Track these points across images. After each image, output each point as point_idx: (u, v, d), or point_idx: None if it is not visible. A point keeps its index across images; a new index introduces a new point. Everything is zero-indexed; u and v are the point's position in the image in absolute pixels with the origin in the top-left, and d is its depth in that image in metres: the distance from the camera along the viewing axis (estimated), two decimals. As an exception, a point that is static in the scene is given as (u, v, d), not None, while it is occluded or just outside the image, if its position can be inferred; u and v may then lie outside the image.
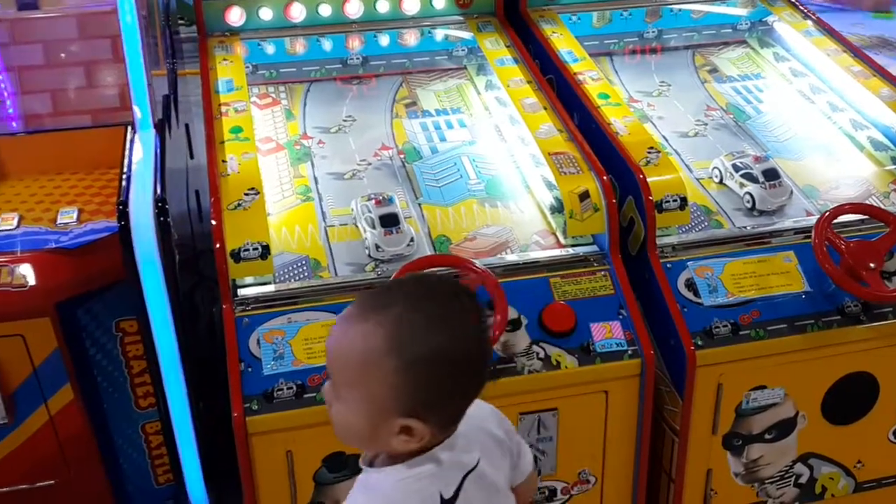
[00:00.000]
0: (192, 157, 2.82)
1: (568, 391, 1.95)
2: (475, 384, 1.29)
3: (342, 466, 1.89)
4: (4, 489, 2.10)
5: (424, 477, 1.27)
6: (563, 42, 2.61)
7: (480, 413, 1.36)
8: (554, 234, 2.15)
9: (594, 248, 2.08)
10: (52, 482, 2.13)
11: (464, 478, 1.31)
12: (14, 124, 2.06)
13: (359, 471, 1.70)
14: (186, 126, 2.73)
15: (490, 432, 1.38)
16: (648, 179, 2.04)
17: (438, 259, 1.98)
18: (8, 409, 1.95)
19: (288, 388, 1.83)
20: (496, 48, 2.60)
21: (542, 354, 1.92)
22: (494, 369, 1.53)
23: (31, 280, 1.78)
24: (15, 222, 1.87)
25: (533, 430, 1.96)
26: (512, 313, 1.90)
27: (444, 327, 1.22)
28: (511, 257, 2.08)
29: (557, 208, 2.13)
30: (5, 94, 2.05)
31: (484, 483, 1.33)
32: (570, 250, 2.08)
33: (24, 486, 2.12)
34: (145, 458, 2.23)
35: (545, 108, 2.32)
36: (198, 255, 2.51)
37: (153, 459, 2.25)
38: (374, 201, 2.11)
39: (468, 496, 1.30)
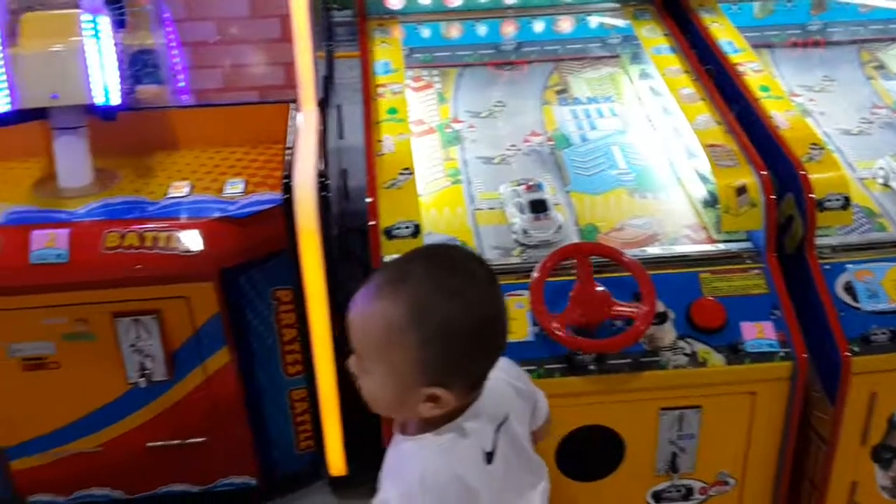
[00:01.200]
0: (341, 137, 2.90)
1: (713, 390, 1.91)
2: (496, 347, 1.34)
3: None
4: (158, 443, 2.23)
5: (459, 440, 1.32)
6: (723, 32, 2.53)
7: (502, 367, 1.40)
8: (705, 228, 2.10)
9: (748, 244, 2.02)
10: (202, 439, 2.25)
11: (496, 430, 1.37)
12: (185, 97, 2.16)
13: None
14: (338, 107, 2.81)
15: (513, 385, 1.45)
16: (810, 176, 1.97)
17: (587, 247, 1.97)
18: (168, 366, 2.06)
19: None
20: (653, 36, 2.55)
21: (688, 350, 1.89)
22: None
23: (199, 246, 1.87)
24: (186, 190, 1.97)
25: (674, 427, 1.93)
26: (659, 307, 1.88)
27: (459, 296, 1.26)
28: (660, 250, 2.04)
29: (711, 202, 2.08)
30: (179, 68, 2.15)
31: (512, 436, 1.40)
32: (723, 246, 2.03)
33: (176, 442, 2.25)
34: (289, 423, 2.33)
35: (703, 99, 2.27)
36: (345, 233, 2.58)
37: (297, 426, 2.35)
38: (523, 186, 2.12)
39: (503, 449, 1.37)
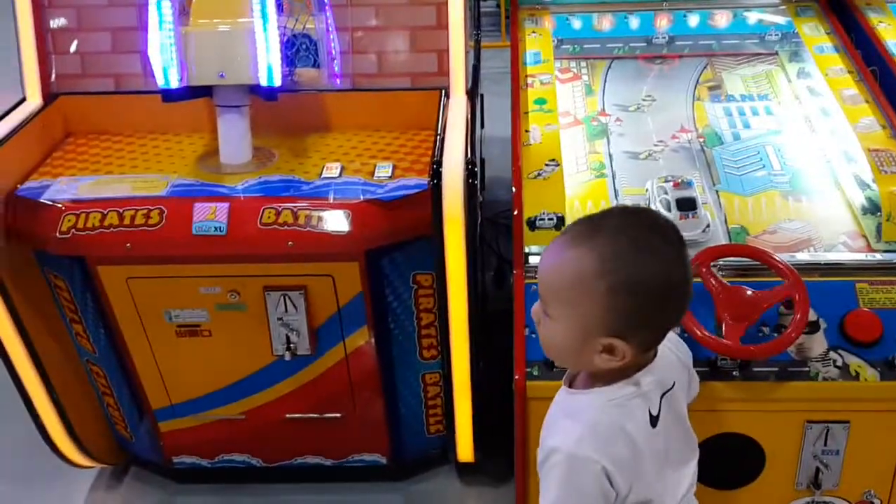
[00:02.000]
0: (482, 126, 2.91)
1: (864, 405, 1.83)
2: (677, 310, 1.36)
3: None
4: (297, 415, 2.31)
5: (631, 398, 1.36)
6: (891, 33, 2.42)
7: (668, 336, 1.44)
8: (864, 236, 2.00)
9: (910, 256, 1.93)
10: (338, 415, 2.32)
11: (661, 396, 1.40)
12: (340, 81, 2.21)
13: None
14: (481, 96, 2.82)
15: (677, 355, 1.51)
16: (983, 188, 1.86)
17: (736, 249, 1.92)
18: (312, 341, 2.13)
19: (569, 360, 1.85)
20: (815, 34, 2.46)
21: (839, 363, 1.81)
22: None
23: (347, 227, 1.91)
24: (337, 171, 2.02)
25: (819, 441, 1.86)
26: (811, 315, 1.81)
27: (650, 254, 1.29)
28: (814, 256, 1.97)
29: (871, 209, 1.99)
30: (335, 52, 2.20)
31: (674, 406, 1.43)
32: (882, 256, 1.94)
33: (313, 415, 2.32)
34: (421, 405, 2.36)
35: (867, 102, 2.17)
36: (481, 223, 2.60)
37: (428, 409, 2.38)
38: (672, 183, 2.08)
39: (665, 416, 1.40)
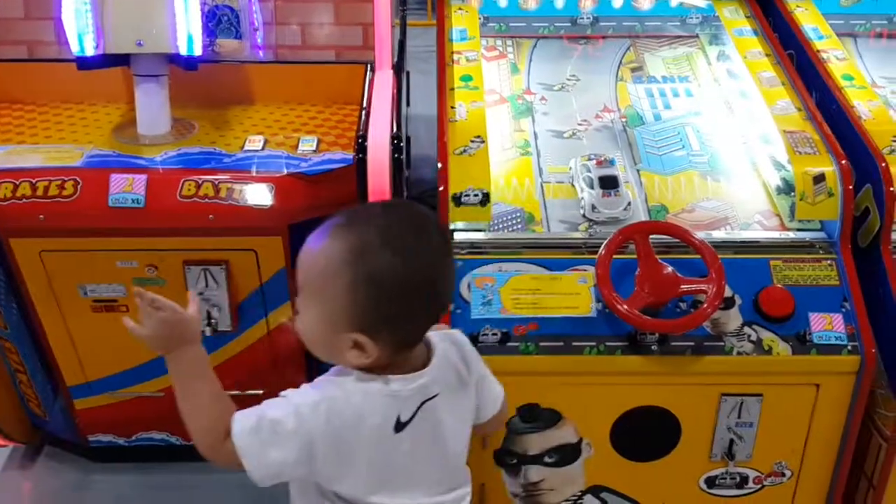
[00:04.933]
0: (408, 104, 2.90)
1: (776, 378, 1.89)
2: (428, 310, 1.33)
3: (535, 418, 1.92)
4: (217, 391, 2.27)
5: (381, 392, 1.32)
6: (807, 17, 2.48)
7: (447, 348, 1.42)
8: (778, 215, 2.06)
9: (822, 234, 1.99)
10: (260, 392, 2.27)
11: (420, 404, 1.35)
12: (262, 53, 2.17)
13: (549, 425, 1.75)
14: (407, 73, 2.80)
15: (457, 369, 1.43)
16: (893, 169, 1.93)
17: (655, 226, 1.95)
18: (233, 317, 2.10)
19: (493, 334, 1.87)
20: (735, 17, 2.51)
21: (753, 337, 1.87)
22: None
23: (270, 200, 1.89)
24: (260, 144, 1.99)
25: (733, 413, 1.92)
26: (726, 291, 1.86)
27: (401, 250, 1.27)
28: (730, 234, 2.02)
29: (785, 189, 2.05)
30: (257, 24, 2.16)
31: (433, 421, 1.37)
32: (795, 234, 2.00)
33: (235, 392, 2.27)
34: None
35: (783, 84, 2.23)
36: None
37: (351, 384, 2.37)
38: (595, 161, 2.10)
39: (418, 427, 1.35)
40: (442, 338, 1.43)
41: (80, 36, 1.86)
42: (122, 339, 2.13)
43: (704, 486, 2.01)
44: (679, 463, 1.98)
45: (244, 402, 2.25)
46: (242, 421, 1.33)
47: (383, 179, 1.83)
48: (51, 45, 2.11)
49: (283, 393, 1.36)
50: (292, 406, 1.32)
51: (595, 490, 2.02)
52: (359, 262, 1.26)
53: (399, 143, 1.85)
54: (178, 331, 1.38)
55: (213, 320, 2.08)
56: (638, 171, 2.19)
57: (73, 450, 2.52)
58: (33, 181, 1.85)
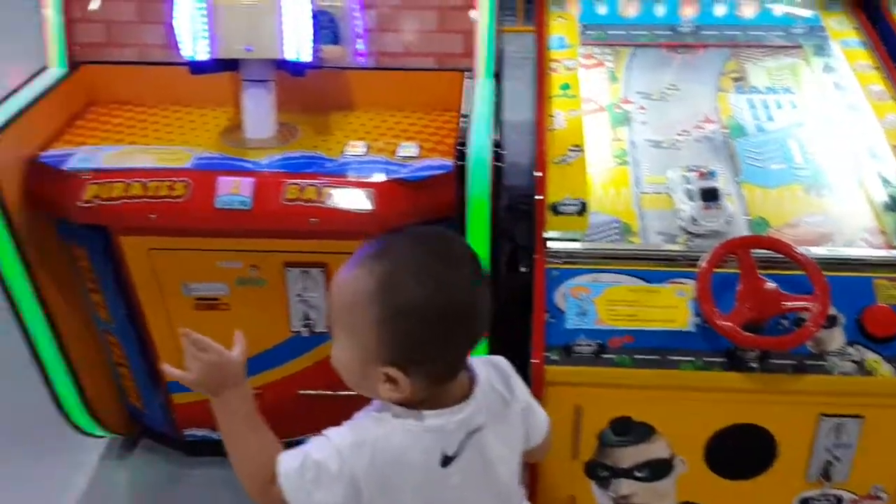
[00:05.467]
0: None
1: (878, 400, 1.83)
2: (462, 342, 1.29)
3: (627, 431, 1.91)
4: (310, 392, 2.32)
5: (422, 430, 1.29)
6: (918, 29, 2.41)
7: (497, 371, 1.40)
8: (884, 233, 2.00)
9: (932, 254, 1.93)
10: (351, 393, 2.31)
11: (466, 436, 1.32)
12: (363, 59, 2.20)
13: (642, 439, 1.70)
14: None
15: (502, 397, 1.39)
16: None
17: (758, 240, 1.92)
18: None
19: (587, 345, 1.86)
20: (842, 28, 2.45)
21: (856, 357, 1.82)
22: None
23: (370, 205, 1.91)
24: (362, 150, 2.02)
25: (831, 434, 1.87)
26: (830, 310, 1.81)
27: (431, 281, 1.22)
28: (834, 251, 1.96)
29: (892, 206, 1.99)
30: (360, 30, 2.19)
31: (481, 449, 1.34)
32: (903, 253, 1.95)
33: (327, 392, 2.32)
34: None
35: (893, 98, 2.16)
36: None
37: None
38: (696, 173, 2.08)
39: (467, 458, 1.32)
40: (484, 363, 1.41)
41: (194, 41, 1.92)
42: (221, 337, 2.22)
43: (800, 507, 1.97)
44: (773, 483, 1.94)
45: (336, 403, 2.30)
46: (288, 462, 1.33)
47: (483, 186, 1.84)
48: (161, 49, 2.18)
49: (325, 432, 1.35)
50: (334, 448, 1.30)
51: None
52: (386, 296, 1.22)
53: (499, 151, 1.85)
54: (222, 374, 1.39)
55: (309, 321, 2.12)
56: (739, 183, 2.15)
57: (168, 443, 2.60)
58: (145, 181, 1.92)
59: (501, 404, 1.40)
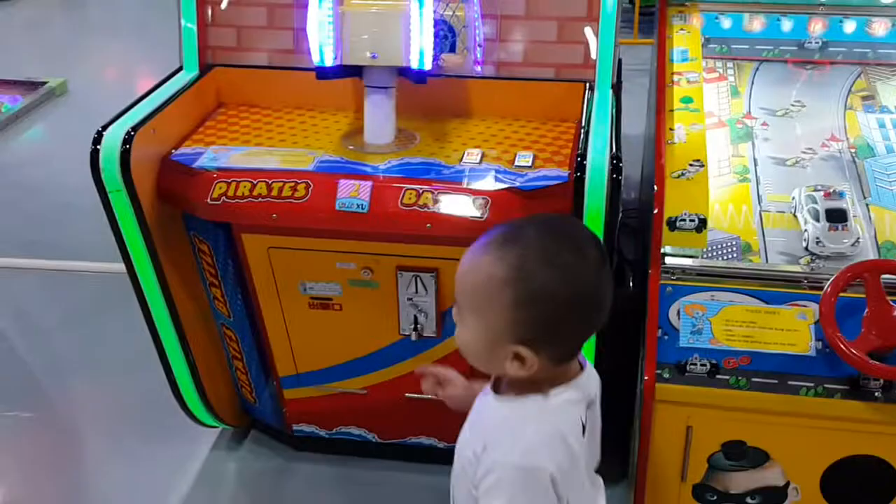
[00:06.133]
0: None
1: None
2: (589, 325, 1.36)
3: (741, 456, 1.86)
4: (416, 395, 2.33)
5: (567, 404, 1.37)
6: None
7: None
8: None
9: None
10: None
11: (587, 407, 1.42)
12: (479, 69, 2.22)
13: (756, 465, 1.70)
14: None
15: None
16: None
17: (887, 265, 1.84)
18: (438, 324, 2.15)
19: (702, 365, 1.83)
20: (983, 47, 2.34)
21: None
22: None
23: (485, 213, 1.92)
24: (478, 158, 2.03)
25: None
26: (963, 341, 1.73)
27: (561, 267, 1.29)
28: (969, 280, 1.87)
29: None
30: (480, 40, 2.21)
31: (594, 418, 1.45)
32: None
33: (431, 396, 2.33)
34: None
35: None
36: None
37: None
38: (822, 193, 2.01)
39: (588, 427, 1.42)
40: None
41: (321, 47, 1.97)
42: (332, 336, 2.28)
43: (921, 546, 1.88)
44: (895, 518, 1.86)
45: (439, 407, 2.32)
46: None
47: (600, 199, 1.83)
48: (289, 54, 2.24)
49: (491, 469, 1.35)
50: (526, 475, 1.33)
51: None
52: (520, 282, 1.28)
53: (618, 164, 1.84)
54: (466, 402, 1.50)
55: (419, 325, 2.15)
56: (867, 205, 2.07)
57: (276, 436, 2.66)
58: (269, 182, 1.97)
59: (597, 378, 1.49)
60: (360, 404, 2.41)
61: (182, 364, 2.38)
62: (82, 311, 3.29)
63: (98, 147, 1.95)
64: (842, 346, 1.71)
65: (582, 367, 1.43)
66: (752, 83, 2.49)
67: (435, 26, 2.00)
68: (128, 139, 1.95)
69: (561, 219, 1.47)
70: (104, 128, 1.97)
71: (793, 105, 2.40)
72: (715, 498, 1.91)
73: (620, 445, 2.25)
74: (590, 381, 1.44)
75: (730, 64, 2.57)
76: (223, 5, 2.25)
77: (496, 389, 1.43)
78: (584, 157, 1.84)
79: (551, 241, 1.32)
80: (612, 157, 1.84)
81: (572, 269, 1.29)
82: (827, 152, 2.24)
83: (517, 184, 1.95)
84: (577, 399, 1.39)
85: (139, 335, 2.34)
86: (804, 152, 2.24)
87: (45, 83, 4.89)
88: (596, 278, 1.32)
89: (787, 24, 2.55)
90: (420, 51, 1.95)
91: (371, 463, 2.58)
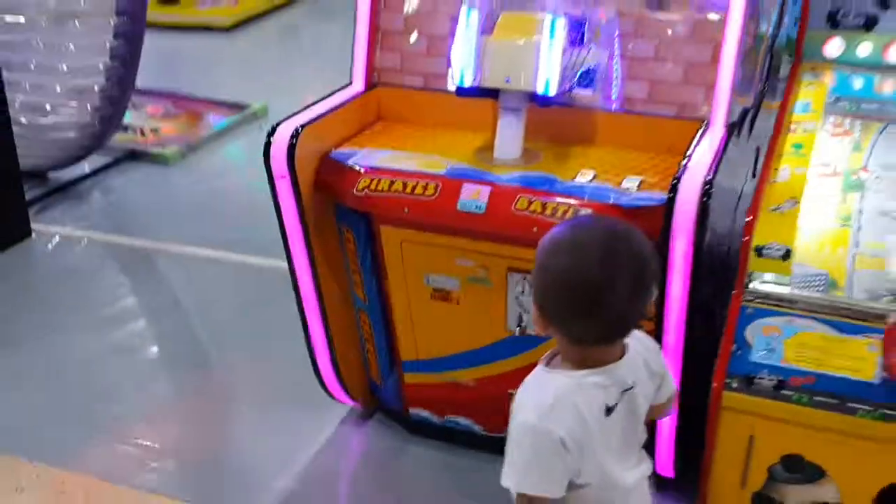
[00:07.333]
0: (753, 176, 3.01)
1: None
2: (597, 316, 1.53)
3: (798, 469, 1.97)
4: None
5: (589, 384, 1.57)
6: None
7: (645, 347, 1.68)
8: None
9: None
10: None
11: (621, 393, 1.59)
12: (611, 103, 2.47)
13: (812, 479, 1.83)
14: (758, 149, 2.91)
15: (647, 362, 1.67)
16: None
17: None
18: (542, 324, 2.39)
19: (769, 379, 1.96)
20: None
21: None
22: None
23: (587, 224, 2.15)
24: (590, 177, 2.27)
25: None
26: None
27: (576, 254, 1.52)
28: None
29: None
30: (616, 79, 2.46)
31: (631, 404, 1.63)
32: None
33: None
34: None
35: None
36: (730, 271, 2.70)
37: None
38: (911, 238, 2.12)
39: (621, 411, 1.60)
40: (635, 338, 1.66)
41: (462, 70, 2.30)
42: (449, 327, 2.56)
43: (972, 584, 1.91)
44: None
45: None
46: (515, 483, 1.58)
47: (688, 219, 2.02)
48: (442, 79, 2.58)
49: (512, 427, 1.61)
50: (530, 430, 1.56)
51: None
52: (544, 264, 1.55)
53: (710, 188, 2.03)
54: None
55: (523, 323, 2.39)
56: (962, 258, 2.15)
57: (395, 418, 2.96)
58: (405, 180, 2.31)
59: (646, 370, 1.68)
60: (469, 396, 2.66)
61: (322, 342, 2.74)
62: (256, 299, 3.74)
63: (271, 139, 2.36)
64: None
65: (622, 356, 1.62)
66: (876, 141, 2.59)
67: (582, 67, 2.29)
68: (295, 135, 2.34)
69: (601, 216, 1.71)
70: (278, 124, 2.38)
71: (910, 163, 2.49)
72: (772, 509, 2.03)
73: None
74: (628, 370, 1.62)
75: (858, 122, 2.68)
76: (393, 34, 2.63)
77: (548, 363, 1.66)
78: (679, 180, 2.05)
79: (580, 231, 1.58)
80: (704, 183, 2.04)
81: (588, 264, 1.50)
82: (933, 208, 2.32)
83: (621, 201, 2.18)
84: (606, 384, 1.59)
85: (297, 322, 2.72)
86: (912, 206, 2.33)
87: (248, 106, 5.54)
88: (611, 278, 1.50)
89: (918, 88, 2.65)
90: (546, 80, 2.24)
91: (474, 454, 2.80)
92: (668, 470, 2.54)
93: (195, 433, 3.07)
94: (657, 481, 2.62)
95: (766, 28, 2.88)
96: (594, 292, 1.52)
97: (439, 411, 2.79)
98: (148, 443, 2.96)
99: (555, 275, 1.55)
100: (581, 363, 1.59)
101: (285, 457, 2.90)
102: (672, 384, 1.79)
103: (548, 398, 1.57)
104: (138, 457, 2.89)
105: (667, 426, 2.40)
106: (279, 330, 3.08)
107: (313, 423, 3.03)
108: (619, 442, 1.64)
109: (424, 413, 2.82)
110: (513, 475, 1.59)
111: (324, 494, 2.79)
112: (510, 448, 1.60)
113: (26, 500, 2.69)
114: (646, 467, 1.74)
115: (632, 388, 1.63)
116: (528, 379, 1.67)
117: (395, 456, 2.89)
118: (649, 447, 2.41)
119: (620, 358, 1.61)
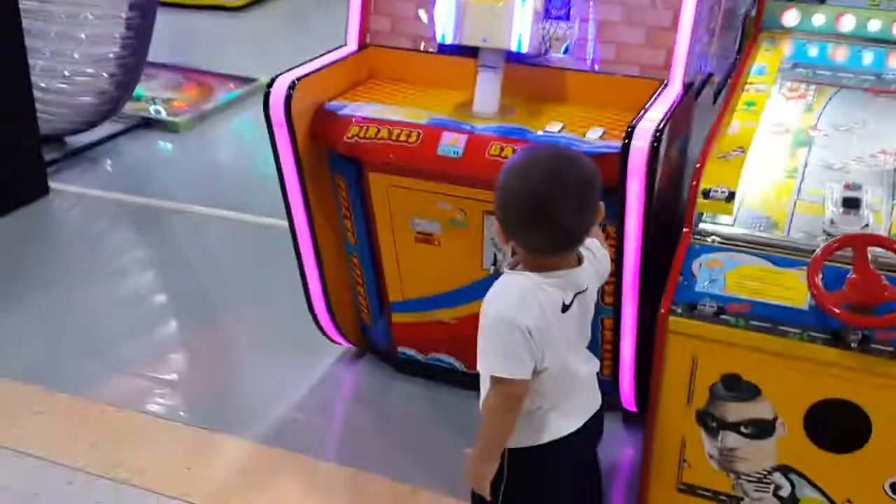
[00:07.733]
0: None
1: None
2: (544, 230, 1.76)
3: (736, 387, 2.21)
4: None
5: (547, 284, 1.79)
6: None
7: (596, 257, 1.93)
8: None
9: None
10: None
11: (576, 295, 1.84)
12: (581, 63, 2.70)
13: (749, 398, 2.06)
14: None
15: (597, 269, 1.94)
16: None
17: (876, 238, 2.12)
18: (514, 264, 2.63)
19: (710, 306, 2.19)
20: None
21: (953, 353, 2.00)
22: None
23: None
24: (558, 128, 2.51)
25: (925, 423, 2.04)
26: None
27: (527, 174, 1.76)
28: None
29: None
30: (589, 39, 2.70)
31: (584, 303, 1.88)
32: None
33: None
34: (598, 348, 2.74)
35: None
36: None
37: (604, 353, 2.76)
38: (844, 184, 2.34)
39: (573, 308, 1.85)
40: (585, 248, 1.90)
41: (444, 29, 2.53)
42: (432, 268, 2.80)
43: (889, 491, 2.14)
44: (866, 461, 2.14)
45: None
46: (489, 366, 1.82)
47: (640, 162, 2.25)
48: (426, 41, 2.81)
49: (482, 319, 1.83)
50: (501, 322, 1.78)
51: (784, 469, 2.24)
52: (504, 185, 1.78)
53: (660, 135, 2.26)
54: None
55: (497, 262, 2.63)
56: (893, 205, 2.36)
57: (384, 358, 3.20)
58: (391, 129, 2.55)
59: (594, 275, 1.93)
60: (451, 334, 2.90)
61: (317, 285, 2.98)
62: (259, 254, 4.00)
63: (270, 90, 2.60)
64: (815, 292, 2.04)
65: (578, 265, 1.86)
66: (827, 104, 2.81)
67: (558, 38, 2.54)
68: (292, 86, 2.58)
69: (567, 153, 1.92)
70: (277, 76, 2.62)
71: (856, 124, 2.70)
72: (714, 424, 2.25)
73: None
74: (584, 276, 1.87)
75: (813, 87, 2.90)
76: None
77: (512, 267, 1.90)
78: (633, 128, 2.28)
79: (539, 162, 1.80)
80: (655, 130, 2.28)
81: (536, 185, 1.74)
82: (873, 162, 2.53)
83: (583, 148, 2.41)
84: (563, 286, 1.82)
85: (296, 275, 2.96)
86: (852, 160, 2.55)
87: (255, 80, 5.78)
88: (556, 199, 1.73)
89: (867, 57, 2.86)
90: (519, 37, 2.47)
91: (457, 391, 3.04)
92: (631, 404, 2.77)
93: (201, 369, 3.33)
94: (623, 416, 2.89)
95: (741, 9, 3.13)
96: (541, 206, 1.75)
97: (424, 349, 3.03)
98: (157, 375, 3.22)
99: (509, 191, 1.78)
100: (539, 269, 1.82)
101: (283, 390, 3.16)
102: (608, 263, 2.02)
103: (514, 294, 1.81)
104: (147, 388, 3.15)
105: (628, 363, 2.63)
106: (279, 282, 3.33)
107: (309, 362, 3.28)
108: (573, 335, 1.89)
109: (410, 352, 3.06)
110: (486, 361, 1.82)
111: (318, 422, 3.03)
112: (483, 337, 1.83)
113: (45, 421, 2.95)
114: (594, 364, 2.00)
115: (585, 290, 1.87)
116: (496, 282, 1.91)
117: (384, 390, 3.14)
118: (613, 381, 2.68)
119: (577, 266, 1.85)
